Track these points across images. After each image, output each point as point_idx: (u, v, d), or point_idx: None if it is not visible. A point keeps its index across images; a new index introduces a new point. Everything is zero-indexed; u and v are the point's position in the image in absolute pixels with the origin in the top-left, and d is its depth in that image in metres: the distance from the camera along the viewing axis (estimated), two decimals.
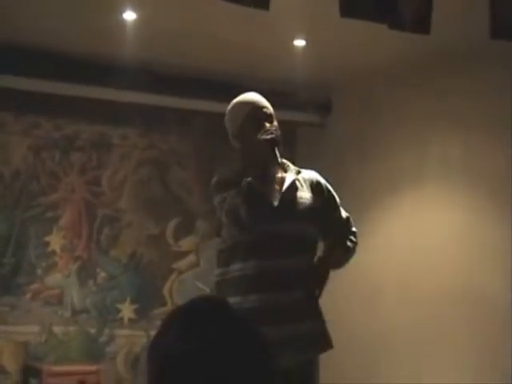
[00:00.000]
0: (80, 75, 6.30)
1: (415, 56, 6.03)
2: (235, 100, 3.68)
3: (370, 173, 6.69)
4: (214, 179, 3.62)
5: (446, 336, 5.91)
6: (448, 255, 5.95)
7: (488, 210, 5.76)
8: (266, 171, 3.55)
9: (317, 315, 3.54)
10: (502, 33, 4.20)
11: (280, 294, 3.42)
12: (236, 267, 3.48)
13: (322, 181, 3.71)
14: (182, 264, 7.11)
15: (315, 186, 3.64)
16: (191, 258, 7.15)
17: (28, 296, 6.52)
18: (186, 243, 7.13)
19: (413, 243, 6.24)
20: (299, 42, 5.96)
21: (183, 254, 7.13)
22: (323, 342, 3.57)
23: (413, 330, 6.13)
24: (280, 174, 3.58)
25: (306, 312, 3.48)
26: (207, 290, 6.99)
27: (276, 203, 3.49)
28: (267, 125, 3.56)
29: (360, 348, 6.55)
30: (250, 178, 3.45)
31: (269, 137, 3.52)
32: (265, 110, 3.62)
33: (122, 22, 5.60)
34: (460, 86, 6.00)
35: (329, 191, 3.69)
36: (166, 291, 7.04)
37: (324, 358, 6.62)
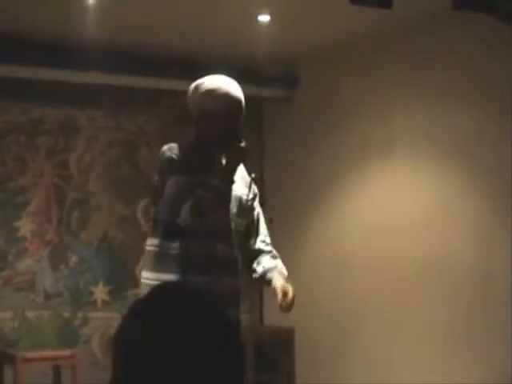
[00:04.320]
0: (45, 58, 6.23)
1: (378, 29, 6.03)
2: (221, 82, 3.55)
3: (337, 146, 6.70)
4: (168, 156, 3.65)
5: (415, 302, 5.96)
6: (416, 223, 5.99)
7: (454, 177, 5.79)
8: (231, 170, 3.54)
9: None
10: (463, 3, 4.22)
11: None
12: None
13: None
14: None
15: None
16: None
17: None
18: None
19: (382, 215, 6.26)
20: (263, 18, 5.93)
21: None
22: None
23: (384, 298, 6.17)
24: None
25: None
26: None
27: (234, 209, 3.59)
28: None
29: (331, 316, 6.60)
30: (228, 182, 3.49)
31: (244, 146, 3.48)
32: (241, 105, 3.53)
33: (86, 3, 5.55)
34: (422, 56, 6.00)
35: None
36: (138, 272, 7.00)
37: (297, 328, 6.72)
